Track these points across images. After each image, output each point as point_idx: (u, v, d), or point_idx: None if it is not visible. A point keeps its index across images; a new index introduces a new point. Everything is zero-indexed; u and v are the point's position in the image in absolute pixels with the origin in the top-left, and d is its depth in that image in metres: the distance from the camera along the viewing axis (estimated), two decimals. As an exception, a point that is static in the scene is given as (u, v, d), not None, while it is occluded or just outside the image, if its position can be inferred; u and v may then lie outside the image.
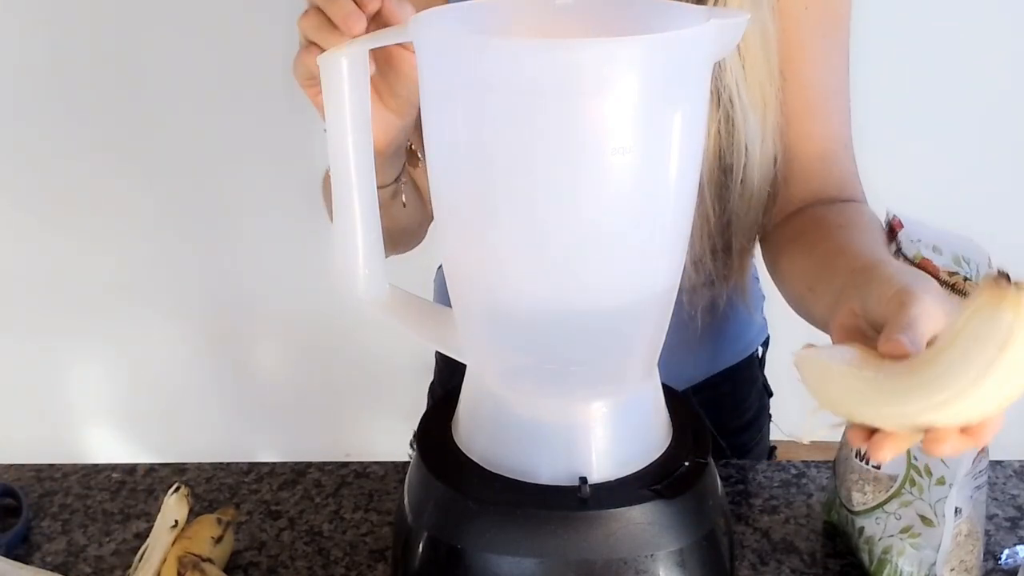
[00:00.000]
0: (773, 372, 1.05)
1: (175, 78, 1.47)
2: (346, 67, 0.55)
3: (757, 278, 0.94)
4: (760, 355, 1.03)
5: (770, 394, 1.05)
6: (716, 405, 0.94)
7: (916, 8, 1.32)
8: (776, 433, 1.07)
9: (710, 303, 0.84)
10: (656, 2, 0.58)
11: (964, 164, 1.40)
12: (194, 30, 1.44)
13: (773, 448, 1.07)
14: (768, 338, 1.03)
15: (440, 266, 1.05)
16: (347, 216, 0.59)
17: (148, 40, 1.44)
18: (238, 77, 1.45)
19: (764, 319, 1.02)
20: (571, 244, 0.53)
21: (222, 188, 1.54)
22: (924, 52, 1.35)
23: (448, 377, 1.05)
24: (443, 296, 1.01)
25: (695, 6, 0.56)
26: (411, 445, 1.09)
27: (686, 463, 0.58)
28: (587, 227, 0.52)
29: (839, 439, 0.73)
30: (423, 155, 0.73)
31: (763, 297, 1.01)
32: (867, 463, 0.68)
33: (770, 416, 1.06)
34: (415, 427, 1.11)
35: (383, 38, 0.57)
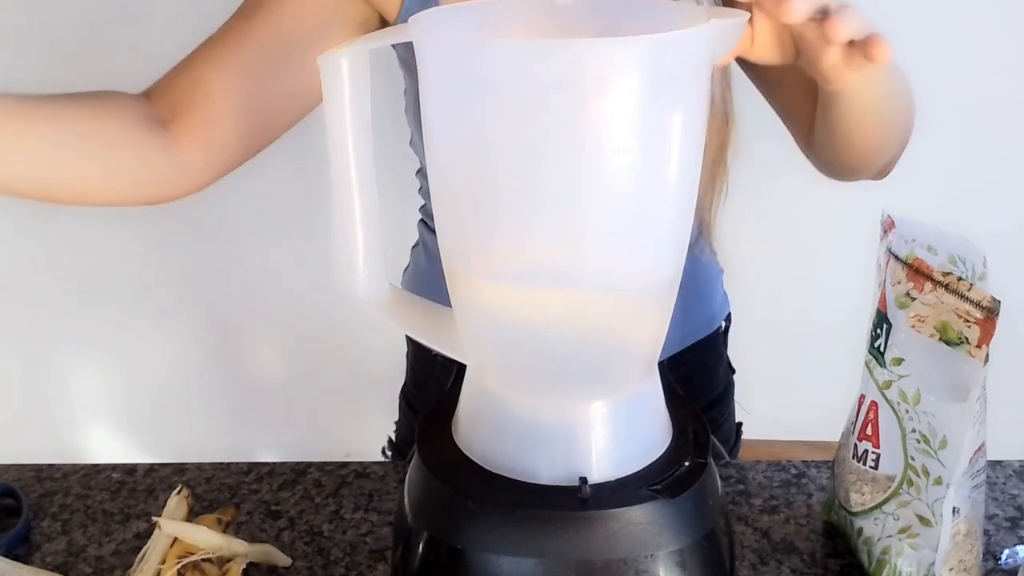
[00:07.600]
0: (735, 351, 1.07)
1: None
2: (346, 67, 0.55)
3: (715, 252, 0.96)
4: (723, 330, 1.05)
5: (733, 371, 1.07)
6: (687, 382, 0.96)
7: (905, 5, 1.32)
8: (739, 413, 1.09)
9: None
10: (656, 2, 0.58)
11: (959, 162, 1.40)
12: (195, 29, 1.44)
13: (739, 424, 1.09)
14: (730, 314, 1.05)
15: (407, 267, 1.04)
16: (347, 216, 0.59)
17: (147, 38, 1.44)
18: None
19: (725, 293, 1.05)
20: (571, 244, 0.53)
21: (221, 189, 1.54)
22: (916, 50, 1.35)
23: (422, 379, 1.04)
24: (413, 287, 0.99)
25: (695, 6, 0.56)
26: (383, 452, 1.09)
27: (686, 463, 0.58)
28: (587, 227, 0.52)
29: (838, 439, 0.73)
30: None
31: (721, 271, 1.02)
32: (865, 464, 0.68)
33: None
34: (388, 432, 1.11)
35: (383, 38, 0.57)
